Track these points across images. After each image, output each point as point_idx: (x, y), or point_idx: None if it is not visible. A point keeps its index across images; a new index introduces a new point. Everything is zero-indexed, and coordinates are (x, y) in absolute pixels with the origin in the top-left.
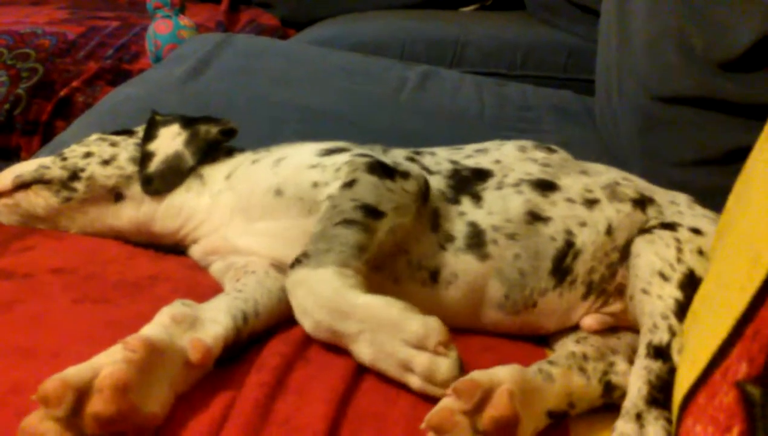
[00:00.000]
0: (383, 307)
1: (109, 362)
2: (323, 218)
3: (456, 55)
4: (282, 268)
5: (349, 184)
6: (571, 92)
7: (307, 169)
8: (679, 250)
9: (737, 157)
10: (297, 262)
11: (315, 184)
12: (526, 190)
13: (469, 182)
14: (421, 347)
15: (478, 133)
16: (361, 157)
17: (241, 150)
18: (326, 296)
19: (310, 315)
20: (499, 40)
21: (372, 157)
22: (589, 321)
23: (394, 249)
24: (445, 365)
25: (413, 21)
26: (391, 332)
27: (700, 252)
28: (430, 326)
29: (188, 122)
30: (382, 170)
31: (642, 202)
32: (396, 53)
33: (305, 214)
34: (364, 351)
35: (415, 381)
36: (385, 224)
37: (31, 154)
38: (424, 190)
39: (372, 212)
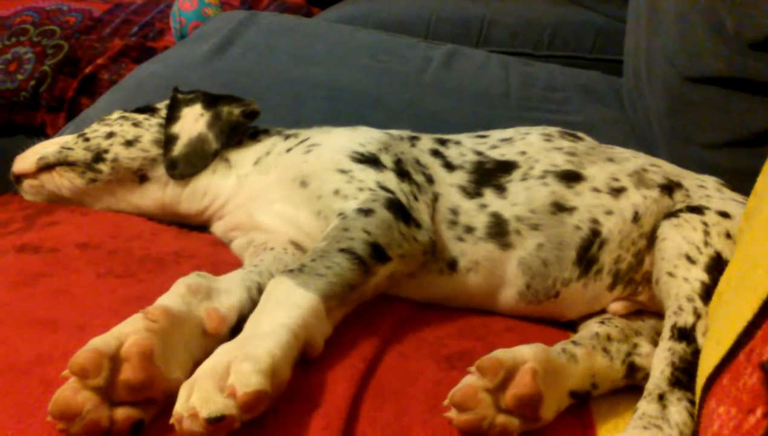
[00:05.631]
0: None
1: (132, 331)
2: (330, 236)
3: (482, 35)
4: (300, 247)
5: (365, 212)
6: (599, 73)
7: (335, 173)
8: (707, 233)
9: (767, 138)
10: (290, 271)
11: (336, 192)
12: (551, 182)
13: (492, 175)
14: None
15: (503, 113)
16: (384, 192)
17: (266, 131)
18: (278, 322)
19: (260, 316)
20: (526, 19)
21: (394, 196)
22: (616, 306)
23: (390, 283)
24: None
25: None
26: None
27: (728, 235)
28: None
29: (210, 102)
30: (399, 211)
31: (669, 188)
32: (421, 32)
33: (315, 213)
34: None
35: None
36: (386, 269)
37: (56, 130)
38: (432, 246)
39: (379, 254)
